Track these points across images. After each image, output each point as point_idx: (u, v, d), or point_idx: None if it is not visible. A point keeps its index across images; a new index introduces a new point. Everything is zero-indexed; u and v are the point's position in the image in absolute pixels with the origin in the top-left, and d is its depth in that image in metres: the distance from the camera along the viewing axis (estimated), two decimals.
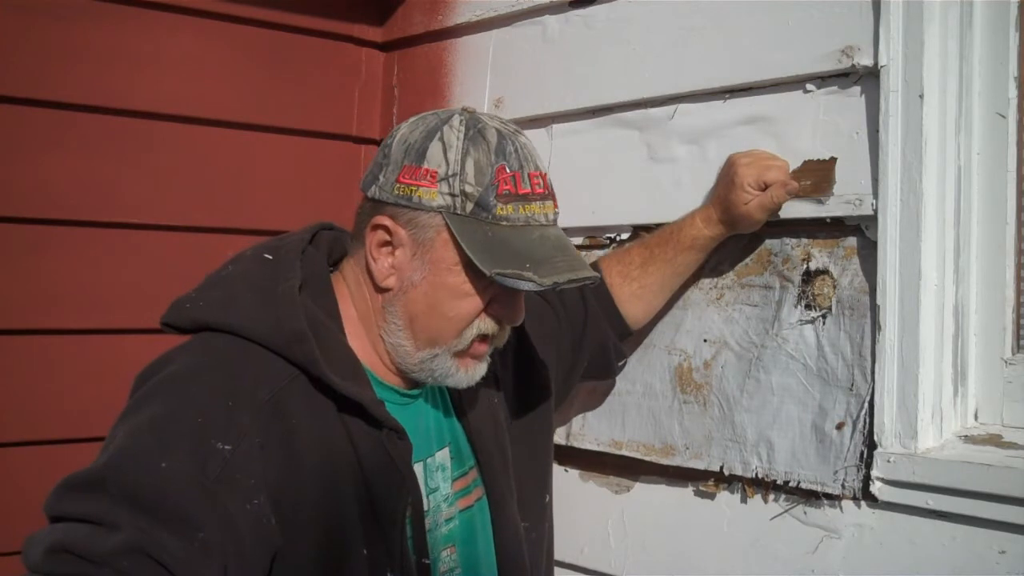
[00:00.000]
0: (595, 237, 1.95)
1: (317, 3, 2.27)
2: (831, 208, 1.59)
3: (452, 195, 1.39)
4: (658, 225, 1.85)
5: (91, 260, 2.03)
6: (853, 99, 1.58)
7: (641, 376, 1.85)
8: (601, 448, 1.88)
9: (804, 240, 1.65)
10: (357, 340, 1.46)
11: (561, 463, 1.97)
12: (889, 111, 1.51)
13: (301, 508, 1.31)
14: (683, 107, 1.80)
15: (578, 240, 1.98)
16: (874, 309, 1.54)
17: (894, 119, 1.50)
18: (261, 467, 1.28)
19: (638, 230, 1.88)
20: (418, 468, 1.47)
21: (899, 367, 1.50)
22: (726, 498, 1.71)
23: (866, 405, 1.54)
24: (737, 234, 1.72)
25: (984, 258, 1.57)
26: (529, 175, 1.43)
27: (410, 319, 1.44)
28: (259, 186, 2.22)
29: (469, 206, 1.39)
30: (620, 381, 1.88)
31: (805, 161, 1.63)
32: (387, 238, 1.42)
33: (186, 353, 1.36)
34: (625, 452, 1.84)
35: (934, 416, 1.51)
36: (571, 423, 1.93)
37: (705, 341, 1.77)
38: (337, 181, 2.34)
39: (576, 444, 1.92)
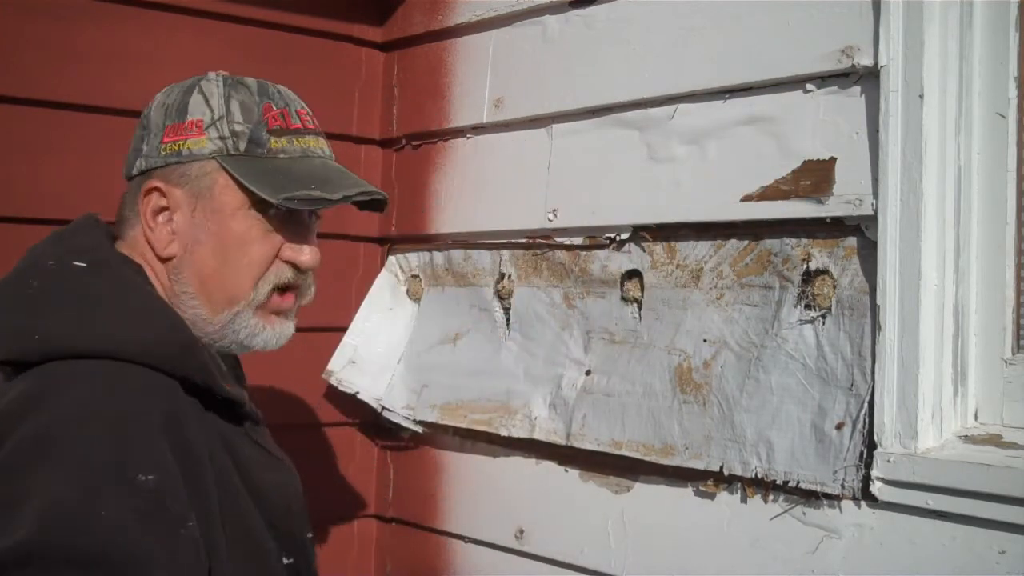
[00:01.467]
0: (595, 237, 1.95)
1: (317, 3, 2.27)
2: (831, 208, 1.59)
3: (222, 138, 1.38)
4: (658, 226, 1.85)
5: None
6: (853, 99, 1.58)
7: (641, 376, 1.85)
8: (601, 448, 1.88)
9: (804, 240, 1.65)
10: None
11: (561, 463, 1.97)
12: (889, 111, 1.51)
13: (213, 521, 1.27)
14: (683, 107, 1.80)
15: (578, 240, 1.98)
16: (874, 309, 1.54)
17: (894, 119, 1.50)
18: (184, 490, 1.22)
19: (638, 230, 1.88)
20: None
21: (899, 367, 1.50)
22: (726, 498, 1.71)
23: (866, 405, 1.54)
24: (736, 236, 1.73)
25: (984, 258, 1.57)
26: (297, 112, 1.45)
27: (201, 282, 1.39)
28: None
29: (242, 144, 1.38)
30: (620, 381, 1.88)
31: (805, 161, 1.63)
32: (163, 203, 1.39)
33: (58, 389, 1.22)
34: (625, 452, 1.84)
35: (934, 416, 1.51)
36: (571, 423, 1.93)
37: (705, 341, 1.77)
38: None
39: (576, 444, 1.92)
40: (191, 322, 1.41)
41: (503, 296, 2.13)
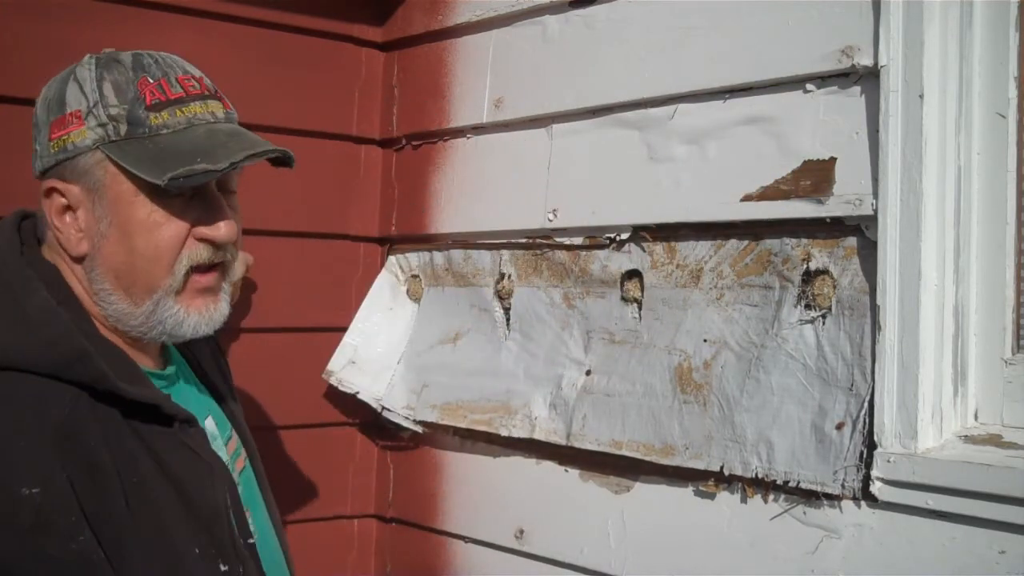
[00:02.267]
0: (595, 237, 1.95)
1: (317, 3, 2.27)
2: (831, 208, 1.59)
3: (102, 125, 1.34)
4: (658, 226, 1.85)
5: None
6: (853, 99, 1.58)
7: (641, 376, 1.85)
8: (601, 448, 1.88)
9: (804, 240, 1.65)
10: (106, 331, 1.39)
11: (561, 463, 1.97)
12: (889, 111, 1.51)
13: (124, 532, 1.25)
14: (683, 107, 1.80)
15: (578, 240, 1.98)
16: (874, 309, 1.54)
17: (894, 119, 1.50)
18: (76, 501, 1.21)
19: (638, 230, 1.88)
20: None
21: (899, 367, 1.50)
22: (726, 498, 1.71)
23: (866, 405, 1.54)
24: (736, 236, 1.73)
25: (984, 258, 1.57)
26: (178, 79, 1.38)
27: (116, 276, 1.36)
28: (258, 187, 2.21)
29: (123, 128, 1.34)
30: (620, 381, 1.88)
31: (805, 161, 1.63)
32: (63, 202, 1.36)
33: None
34: (625, 452, 1.84)
35: (934, 416, 1.51)
36: (571, 423, 1.93)
37: (705, 341, 1.77)
38: (337, 181, 2.35)
39: (576, 444, 1.92)
40: (115, 319, 1.39)
41: (503, 296, 2.13)
